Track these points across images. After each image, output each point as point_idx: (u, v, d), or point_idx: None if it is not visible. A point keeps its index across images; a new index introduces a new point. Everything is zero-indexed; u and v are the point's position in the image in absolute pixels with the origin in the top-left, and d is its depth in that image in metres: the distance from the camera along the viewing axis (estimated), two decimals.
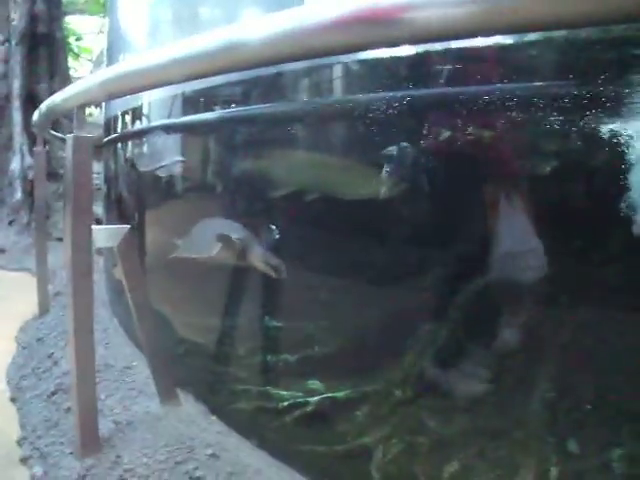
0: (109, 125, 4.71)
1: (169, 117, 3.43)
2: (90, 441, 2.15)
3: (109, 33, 5.19)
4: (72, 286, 2.06)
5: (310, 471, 2.11)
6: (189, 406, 2.48)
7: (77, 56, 14.18)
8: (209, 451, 2.09)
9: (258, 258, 2.50)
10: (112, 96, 2.05)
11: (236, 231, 2.58)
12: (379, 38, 1.19)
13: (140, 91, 1.91)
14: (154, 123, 3.64)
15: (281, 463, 2.13)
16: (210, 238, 2.56)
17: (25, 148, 7.84)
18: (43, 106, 3.00)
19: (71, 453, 2.19)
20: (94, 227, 2.11)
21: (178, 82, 1.67)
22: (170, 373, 2.49)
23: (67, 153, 2.06)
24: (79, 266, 2.07)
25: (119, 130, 4.34)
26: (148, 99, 3.63)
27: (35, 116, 3.47)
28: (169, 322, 3.31)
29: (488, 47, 2.00)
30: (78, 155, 2.05)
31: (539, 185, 2.16)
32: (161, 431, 2.22)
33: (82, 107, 2.11)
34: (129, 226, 2.27)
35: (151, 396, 2.51)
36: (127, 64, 1.74)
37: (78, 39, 14.47)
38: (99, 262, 4.89)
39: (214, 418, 2.39)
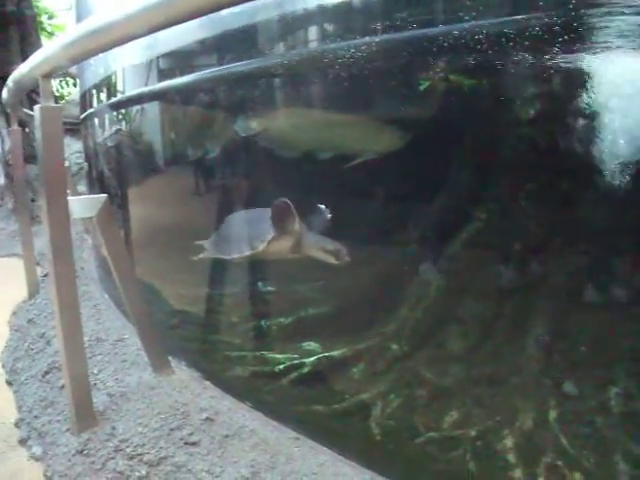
0: (84, 101, 4.64)
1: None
2: (85, 416, 2.14)
3: (77, 8, 5.10)
4: (53, 260, 2.02)
5: (310, 431, 2.10)
6: (182, 374, 2.45)
7: (51, 35, 13.88)
8: (203, 415, 2.08)
9: (314, 247, 2.28)
10: (76, 59, 1.97)
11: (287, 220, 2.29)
12: None
13: (103, 50, 1.84)
14: (122, 96, 3.58)
15: (277, 423, 2.11)
16: (252, 232, 2.32)
17: (5, 132, 7.69)
18: (10, 81, 2.91)
19: (68, 430, 2.17)
20: (70, 198, 2.05)
21: (139, 36, 1.61)
22: (161, 343, 2.46)
23: (36, 125, 2.00)
24: (58, 239, 2.01)
25: (93, 106, 4.27)
26: (116, 70, 3.57)
27: (4, 93, 3.38)
28: (159, 292, 3.29)
29: None
30: (47, 127, 1.98)
31: None
32: (155, 400, 2.20)
33: (48, 76, 2.04)
34: (106, 195, 2.20)
35: (144, 367, 2.49)
36: (88, 23, 1.67)
37: (51, 17, 14.15)
38: (88, 239, 4.87)
39: (208, 383, 2.37)
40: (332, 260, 2.19)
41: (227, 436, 1.99)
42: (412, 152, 2.43)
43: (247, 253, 2.35)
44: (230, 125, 2.87)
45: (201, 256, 2.62)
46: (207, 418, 2.08)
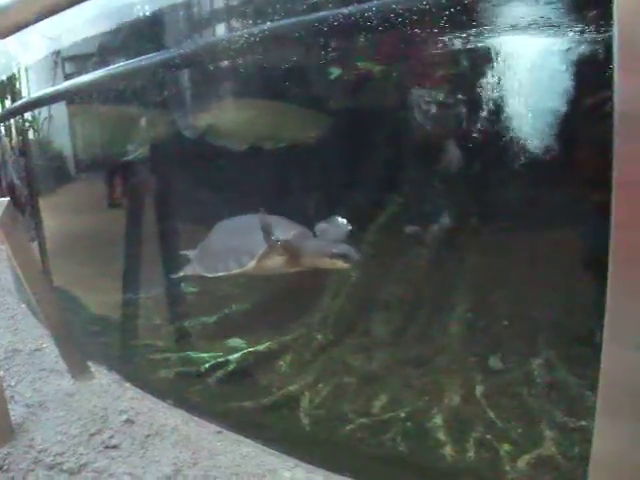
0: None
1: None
2: (2, 431, 2.06)
3: None
4: None
5: (238, 426, 2.07)
6: (103, 378, 2.39)
7: None
8: (123, 417, 2.04)
9: (316, 255, 1.97)
10: None
11: (282, 227, 1.99)
12: None
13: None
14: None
15: (199, 419, 2.07)
16: (243, 245, 2.00)
17: None
18: None
19: None
20: None
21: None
22: (80, 349, 2.39)
23: None
24: None
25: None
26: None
27: None
28: (78, 299, 3.21)
29: None
30: None
31: None
32: (74, 406, 2.15)
33: None
34: (8, 199, 2.10)
35: (62, 374, 2.42)
36: None
37: None
38: (2, 250, 4.71)
39: (128, 385, 2.31)
40: (341, 265, 1.92)
41: (148, 436, 1.95)
42: (328, 140, 2.43)
43: (234, 271, 2.05)
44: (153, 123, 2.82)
45: (182, 274, 2.34)
46: (127, 420, 2.03)
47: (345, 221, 2.13)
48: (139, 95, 2.91)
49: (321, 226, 2.13)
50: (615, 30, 0.65)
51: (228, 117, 2.70)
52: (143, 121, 2.94)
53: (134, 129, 3.02)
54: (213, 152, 2.63)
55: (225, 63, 2.55)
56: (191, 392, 2.43)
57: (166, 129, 2.80)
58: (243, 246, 2.00)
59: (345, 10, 1.87)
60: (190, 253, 2.36)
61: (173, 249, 2.92)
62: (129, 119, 3.02)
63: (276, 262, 1.98)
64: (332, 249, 1.90)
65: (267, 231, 1.90)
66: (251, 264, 1.97)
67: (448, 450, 2.00)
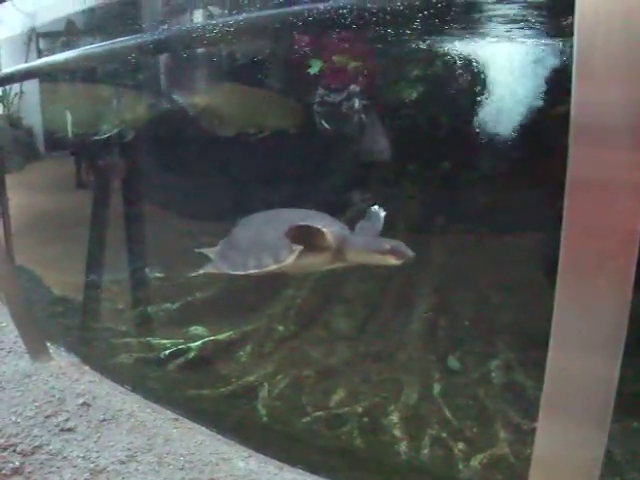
0: None
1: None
2: None
3: None
4: None
5: (195, 414, 2.06)
6: (61, 360, 2.36)
7: None
8: (80, 401, 2.01)
9: (363, 251, 1.73)
10: None
11: (321, 221, 1.73)
12: None
13: None
14: None
15: (156, 405, 2.06)
16: (279, 239, 1.71)
17: None
18: None
19: None
20: None
21: None
22: (39, 330, 2.36)
23: None
24: None
25: None
26: None
27: None
28: (40, 279, 3.18)
29: None
30: None
31: None
32: (30, 387, 2.11)
33: None
34: None
35: (21, 354, 2.38)
36: None
37: None
38: None
39: (87, 368, 2.29)
40: (392, 261, 1.66)
41: (104, 420, 1.93)
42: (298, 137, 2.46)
43: (269, 268, 1.76)
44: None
45: (203, 272, 2.03)
46: (84, 403, 2.01)
47: (382, 213, 1.93)
48: (112, 76, 2.89)
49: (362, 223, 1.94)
50: (575, 37, 0.66)
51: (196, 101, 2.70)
52: (114, 102, 2.92)
53: (105, 110, 3.00)
54: (183, 136, 2.63)
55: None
56: (150, 378, 2.42)
57: (136, 111, 2.78)
58: (279, 240, 1.73)
59: None
60: (208, 250, 2.08)
61: (140, 233, 2.91)
62: (100, 99, 3.00)
63: (318, 258, 1.74)
64: (385, 245, 1.68)
65: (309, 224, 1.66)
66: (289, 260, 1.71)
67: (403, 447, 2.02)
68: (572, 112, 0.67)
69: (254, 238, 1.87)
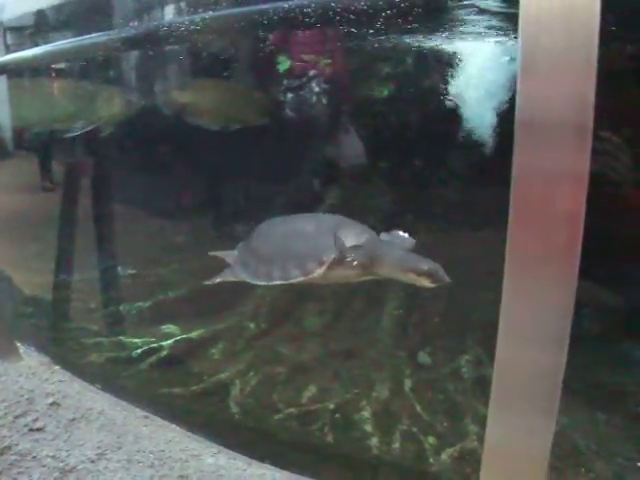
0: None
1: None
2: None
3: None
4: None
5: (166, 412, 2.06)
6: (31, 360, 2.35)
7: None
8: (50, 400, 2.01)
9: (398, 267, 1.59)
10: None
11: (351, 230, 1.67)
12: None
13: None
14: None
15: (126, 403, 2.06)
16: (307, 249, 1.63)
17: None
18: None
19: None
20: None
21: None
22: (9, 329, 2.35)
23: None
24: None
25: None
26: None
27: None
28: (10, 279, 3.15)
29: None
30: None
31: None
32: None
33: None
34: None
35: None
36: None
37: None
38: None
39: (57, 368, 2.28)
40: (427, 283, 1.53)
41: (74, 419, 1.93)
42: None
43: (296, 279, 1.64)
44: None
45: (220, 279, 1.89)
46: (54, 402, 2.00)
47: (407, 235, 1.79)
48: (83, 73, 2.88)
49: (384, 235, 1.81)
50: (519, 37, 0.68)
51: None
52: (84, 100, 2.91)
53: (76, 108, 2.98)
54: (152, 132, 2.62)
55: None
56: (122, 377, 2.42)
57: (107, 108, 2.77)
58: (307, 251, 1.64)
59: None
60: (225, 254, 1.97)
61: (110, 233, 2.90)
62: (71, 96, 2.98)
63: (348, 270, 1.63)
64: (423, 265, 1.55)
65: (339, 237, 1.60)
66: (318, 272, 1.60)
67: (374, 441, 2.04)
68: (517, 107, 0.69)
69: (276, 246, 1.77)
